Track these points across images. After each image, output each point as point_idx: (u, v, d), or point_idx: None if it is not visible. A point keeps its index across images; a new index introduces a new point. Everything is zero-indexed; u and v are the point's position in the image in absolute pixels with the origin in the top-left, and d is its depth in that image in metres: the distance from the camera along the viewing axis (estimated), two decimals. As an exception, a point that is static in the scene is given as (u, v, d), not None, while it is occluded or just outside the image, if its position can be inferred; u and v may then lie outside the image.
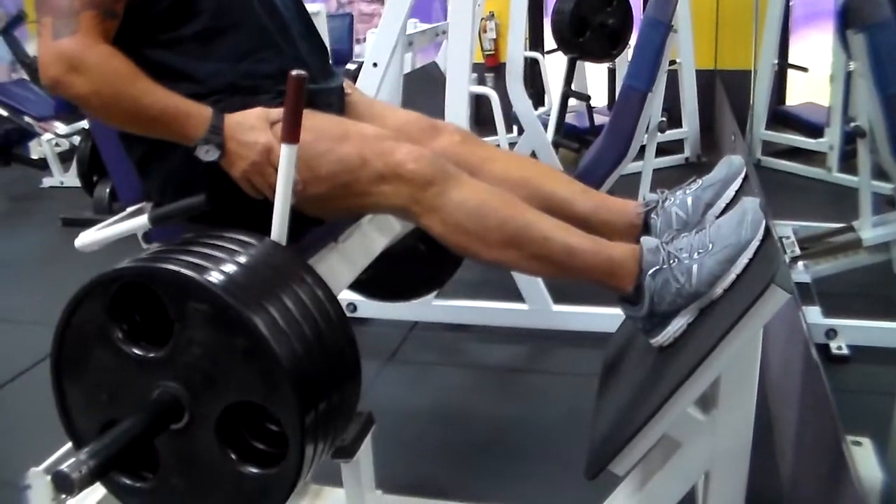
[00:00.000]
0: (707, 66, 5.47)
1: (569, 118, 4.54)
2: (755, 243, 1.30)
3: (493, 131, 4.32)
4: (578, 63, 4.46)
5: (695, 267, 1.31)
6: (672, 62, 4.60)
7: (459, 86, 2.88)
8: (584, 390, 1.75)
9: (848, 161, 4.10)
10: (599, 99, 5.71)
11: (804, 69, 4.94)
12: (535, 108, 4.28)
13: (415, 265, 2.06)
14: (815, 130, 4.73)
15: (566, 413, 2.43)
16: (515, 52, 3.80)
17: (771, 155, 4.81)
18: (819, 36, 4.90)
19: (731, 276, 1.30)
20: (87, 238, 1.50)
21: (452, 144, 1.61)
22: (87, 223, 1.58)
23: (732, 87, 5.12)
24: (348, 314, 1.36)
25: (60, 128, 5.31)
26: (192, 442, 1.17)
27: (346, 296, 2.64)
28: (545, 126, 4.09)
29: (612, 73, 5.74)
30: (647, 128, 3.53)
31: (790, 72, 5.34)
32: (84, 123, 4.90)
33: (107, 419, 1.20)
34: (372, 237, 1.72)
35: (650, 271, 1.33)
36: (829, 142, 4.42)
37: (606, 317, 2.30)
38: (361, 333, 1.30)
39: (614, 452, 1.28)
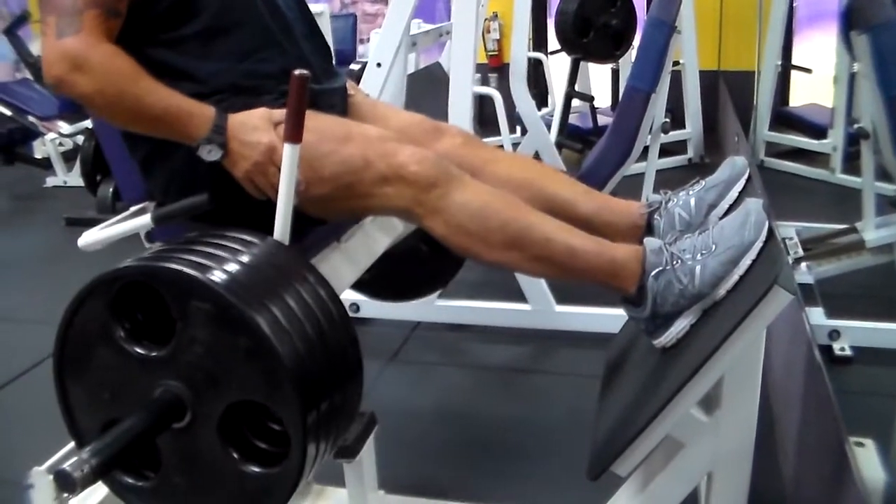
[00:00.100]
0: (710, 67, 5.47)
1: (572, 119, 4.54)
2: (758, 244, 1.30)
3: (497, 132, 4.33)
4: (582, 64, 4.45)
5: (698, 268, 1.31)
6: (675, 63, 4.62)
7: (463, 86, 2.88)
8: (586, 391, 1.75)
9: (851, 162, 4.11)
10: (603, 100, 5.71)
11: (808, 70, 4.93)
12: (539, 109, 4.28)
13: (417, 265, 2.06)
14: (819, 132, 4.73)
15: (568, 413, 2.43)
16: (519, 53, 3.81)
17: (774, 156, 4.81)
18: (822, 37, 4.89)
19: (735, 278, 1.29)
20: (90, 237, 1.50)
21: (455, 146, 1.61)
22: (91, 222, 1.58)
23: (736, 88, 5.12)
24: (351, 314, 1.36)
25: (64, 127, 5.32)
26: (194, 441, 1.17)
27: (348, 296, 2.65)
28: (548, 127, 4.09)
29: (615, 74, 5.74)
30: (651, 129, 3.53)
31: (794, 73, 5.34)
32: (87, 123, 4.92)
33: (109, 418, 1.20)
34: (375, 237, 1.72)
35: (653, 272, 1.33)
36: (833, 143, 4.42)
37: (609, 318, 2.30)
38: (364, 333, 1.31)
39: (617, 453, 1.27)
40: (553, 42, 4.99)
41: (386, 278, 2.03)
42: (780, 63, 4.79)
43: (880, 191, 2.99)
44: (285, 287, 1.19)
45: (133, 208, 1.59)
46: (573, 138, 4.34)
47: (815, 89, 5.09)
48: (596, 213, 1.53)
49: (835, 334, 2.65)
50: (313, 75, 1.32)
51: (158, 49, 1.45)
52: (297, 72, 1.22)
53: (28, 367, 2.85)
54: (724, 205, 1.49)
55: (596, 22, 4.22)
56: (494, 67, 6.20)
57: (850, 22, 2.84)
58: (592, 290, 1.43)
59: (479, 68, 4.14)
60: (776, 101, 4.96)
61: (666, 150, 4.41)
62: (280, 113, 1.34)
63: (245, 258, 1.20)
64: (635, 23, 4.29)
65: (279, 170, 1.30)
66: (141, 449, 1.16)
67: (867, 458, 1.52)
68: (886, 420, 1.76)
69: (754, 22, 4.83)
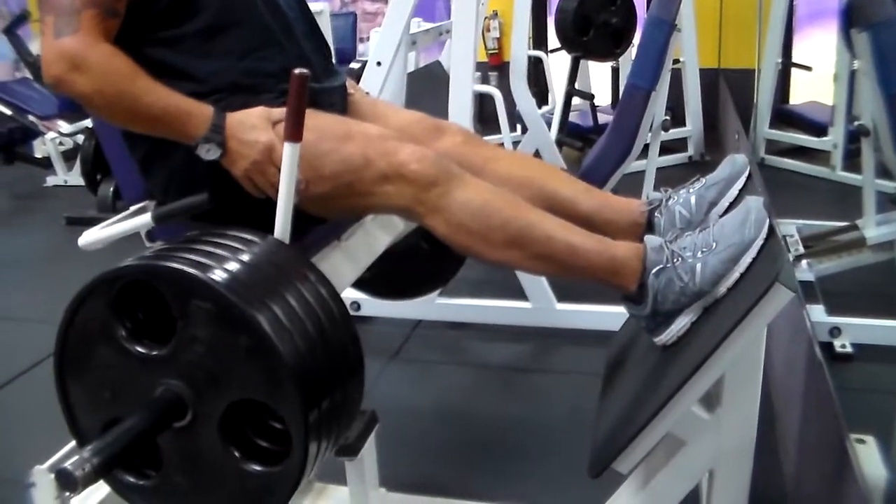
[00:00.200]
0: (711, 65, 5.47)
1: (572, 117, 4.54)
2: (759, 242, 1.30)
3: (497, 130, 4.32)
4: (582, 62, 4.45)
5: (698, 266, 1.31)
6: (676, 61, 4.62)
7: (463, 84, 2.88)
8: (587, 389, 1.75)
9: (852, 160, 4.11)
10: (603, 98, 5.71)
11: (808, 68, 4.93)
12: (539, 107, 4.28)
13: (418, 263, 2.06)
14: (819, 129, 4.73)
15: (569, 411, 2.43)
16: (519, 51, 3.81)
17: (774, 153, 4.81)
18: (823, 34, 4.89)
19: (735, 275, 1.29)
20: (90, 236, 1.50)
21: (455, 144, 1.61)
22: (91, 222, 1.58)
23: (736, 86, 5.12)
24: (352, 312, 1.36)
25: (64, 126, 5.32)
26: (196, 440, 1.17)
27: (349, 294, 2.65)
28: (549, 125, 4.10)
29: (615, 72, 5.74)
30: (651, 126, 3.53)
31: (794, 70, 5.34)
32: (87, 122, 4.92)
33: (110, 417, 1.20)
34: (375, 235, 1.72)
35: (654, 270, 1.33)
36: (833, 140, 4.42)
37: (610, 315, 2.30)
38: (365, 332, 1.31)
39: (618, 451, 1.27)
40: (553, 40, 4.99)
41: (387, 276, 2.03)
42: (780, 61, 4.79)
43: (881, 188, 2.99)
44: (286, 286, 1.19)
45: (133, 207, 1.59)
46: (573, 136, 4.35)
47: (815, 87, 5.09)
48: (596, 211, 1.53)
49: (835, 331, 2.65)
50: (313, 74, 1.32)
51: (157, 48, 1.45)
52: (297, 71, 1.22)
53: (29, 366, 2.85)
54: (725, 202, 1.49)
55: (596, 20, 4.22)
56: (494, 66, 6.20)
57: (850, 19, 2.84)
58: (593, 288, 1.43)
59: (480, 67, 4.14)
60: (776, 99, 4.96)
61: (666, 148, 4.41)
62: (279, 111, 1.34)
63: (246, 257, 1.20)
64: (635, 21, 4.30)
65: (278, 168, 1.30)
66: (142, 448, 1.17)
67: (868, 455, 1.52)
68: (887, 417, 1.76)
69: (754, 20, 4.83)
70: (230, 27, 1.48)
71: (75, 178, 5.11)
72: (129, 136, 1.51)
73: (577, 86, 4.38)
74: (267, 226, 1.28)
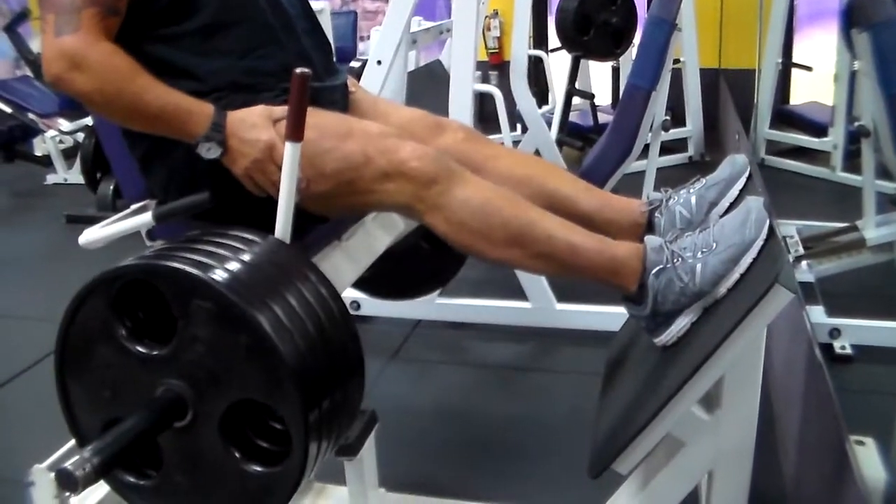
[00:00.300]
0: (711, 65, 5.46)
1: (572, 116, 4.54)
2: (759, 242, 1.30)
3: (497, 129, 4.32)
4: (582, 61, 4.46)
5: (698, 266, 1.31)
6: (676, 61, 4.61)
7: (463, 84, 2.89)
8: (587, 389, 1.75)
9: (852, 160, 4.10)
10: (603, 97, 5.71)
11: (808, 68, 4.93)
12: (539, 107, 4.28)
13: (418, 263, 2.06)
14: (819, 130, 4.73)
15: (569, 412, 2.43)
16: (519, 51, 3.81)
17: (775, 154, 4.81)
18: (823, 35, 4.89)
19: (735, 276, 1.29)
20: (90, 235, 1.50)
21: (457, 142, 1.61)
22: (91, 220, 1.58)
23: (736, 86, 5.12)
24: (351, 312, 1.36)
25: (64, 125, 5.32)
26: (196, 440, 1.17)
27: (349, 293, 2.64)
28: (549, 124, 4.10)
29: (615, 72, 5.74)
30: (651, 126, 3.53)
31: (794, 71, 5.34)
32: (88, 120, 4.92)
33: (110, 417, 1.20)
34: (376, 235, 1.72)
35: (654, 270, 1.33)
36: (833, 141, 4.42)
37: (610, 315, 2.30)
38: (365, 331, 1.30)
39: (617, 451, 1.27)
40: (554, 40, 4.99)
41: (387, 276, 2.03)
42: (780, 61, 4.78)
43: (881, 189, 2.99)
44: (286, 285, 1.19)
45: (134, 206, 1.59)
46: (574, 136, 4.35)
47: (815, 87, 5.08)
48: (597, 211, 1.53)
49: (835, 332, 2.65)
50: (314, 72, 1.32)
51: (158, 46, 1.45)
52: (298, 70, 1.22)
53: (29, 365, 2.85)
54: (725, 203, 1.49)
55: (596, 20, 4.23)
56: (495, 65, 6.19)
57: (850, 20, 2.84)
58: (593, 288, 1.43)
59: (480, 66, 4.13)
60: (777, 99, 4.96)
61: (666, 148, 4.41)
62: (280, 110, 1.34)
63: (246, 257, 1.20)
64: (636, 20, 4.30)
65: (278, 167, 1.30)
66: (142, 448, 1.17)
67: (868, 457, 1.52)
68: (887, 418, 1.76)
69: (755, 20, 4.83)
70: (230, 25, 1.48)
71: (75, 176, 5.11)
72: (130, 135, 1.51)
73: (577, 85, 4.38)
74: (268, 225, 1.28)
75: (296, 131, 1.24)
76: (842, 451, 1.49)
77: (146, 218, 1.47)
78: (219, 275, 1.13)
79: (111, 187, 4.41)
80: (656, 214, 1.51)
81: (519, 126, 4.61)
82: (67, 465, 1.04)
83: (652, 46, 3.25)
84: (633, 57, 3.83)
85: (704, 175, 1.55)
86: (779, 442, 2.18)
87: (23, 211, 5.23)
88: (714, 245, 1.31)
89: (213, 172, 1.39)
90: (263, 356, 1.11)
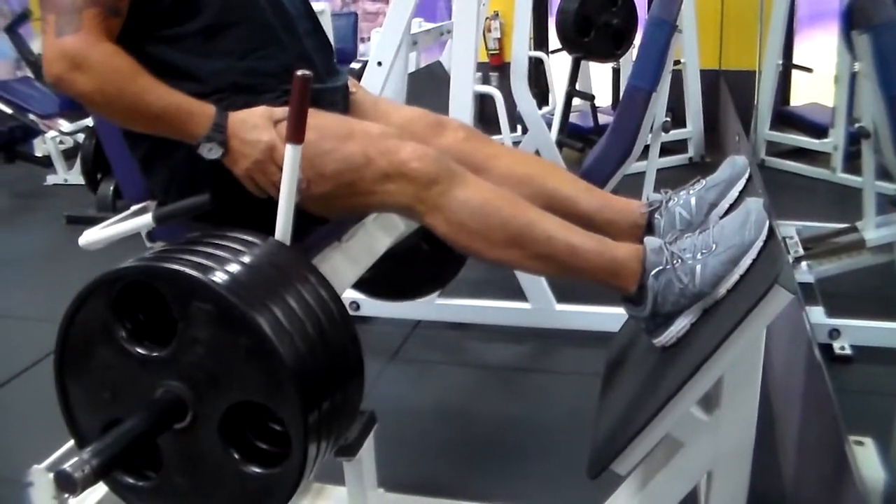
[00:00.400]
0: (711, 67, 5.46)
1: (573, 118, 4.54)
2: (759, 244, 1.30)
3: (497, 130, 4.31)
4: (583, 63, 4.45)
5: (698, 267, 1.31)
6: (676, 62, 4.61)
7: (464, 85, 2.89)
8: (586, 390, 1.75)
9: (852, 162, 4.10)
10: (603, 98, 5.70)
11: (809, 70, 4.93)
12: (540, 108, 4.28)
13: (418, 264, 2.06)
14: (820, 131, 4.73)
15: (568, 412, 2.43)
16: (520, 52, 3.80)
17: (775, 155, 4.81)
18: (824, 36, 4.89)
19: (735, 277, 1.30)
20: (91, 236, 1.50)
21: (457, 141, 1.62)
22: (91, 221, 1.58)
23: (737, 88, 5.12)
24: (351, 312, 1.36)
25: (65, 125, 5.32)
26: (196, 441, 1.18)
27: (349, 294, 2.65)
28: (549, 125, 4.09)
29: (616, 73, 5.73)
30: (651, 127, 3.53)
31: (794, 72, 5.33)
32: (88, 121, 4.92)
33: (110, 418, 1.20)
34: (376, 236, 1.72)
35: (653, 271, 1.33)
36: (834, 142, 4.42)
37: (609, 316, 2.30)
38: (364, 332, 1.31)
39: (617, 452, 1.28)
40: (554, 41, 4.99)
41: (387, 277, 2.03)
42: (780, 62, 4.78)
43: (881, 190, 2.99)
44: (286, 287, 1.19)
45: (134, 207, 1.59)
46: (574, 137, 4.34)
47: (815, 89, 5.08)
48: (597, 211, 1.54)
49: (835, 333, 2.64)
50: (315, 73, 1.32)
51: (159, 46, 1.45)
52: (299, 72, 1.22)
53: (28, 365, 2.85)
54: (725, 204, 1.49)
55: (597, 21, 4.22)
56: (495, 66, 6.19)
57: (851, 21, 2.84)
58: (593, 289, 1.43)
59: (480, 67, 4.13)
60: (777, 101, 4.95)
61: (667, 149, 4.41)
62: (281, 111, 1.35)
63: (246, 258, 1.20)
64: (636, 22, 4.30)
65: (279, 168, 1.30)
66: (142, 449, 1.17)
67: (867, 457, 1.52)
68: (886, 419, 1.76)
69: (755, 21, 4.83)
70: (232, 26, 1.48)
71: (76, 176, 5.11)
72: (130, 135, 1.51)
73: (577, 86, 4.38)
74: (268, 226, 1.28)
75: (296, 133, 1.24)
76: (841, 451, 1.49)
77: (146, 219, 1.47)
78: (219, 277, 1.13)
79: (111, 188, 4.41)
80: (656, 215, 1.51)
81: (519, 127, 4.61)
82: (66, 466, 1.04)
83: (652, 47, 3.25)
84: (634, 58, 3.83)
85: (704, 176, 1.55)
86: (778, 442, 2.18)
87: (23, 211, 5.23)
88: (714, 246, 1.31)
89: (213, 173, 1.39)
90: (263, 358, 1.11)
